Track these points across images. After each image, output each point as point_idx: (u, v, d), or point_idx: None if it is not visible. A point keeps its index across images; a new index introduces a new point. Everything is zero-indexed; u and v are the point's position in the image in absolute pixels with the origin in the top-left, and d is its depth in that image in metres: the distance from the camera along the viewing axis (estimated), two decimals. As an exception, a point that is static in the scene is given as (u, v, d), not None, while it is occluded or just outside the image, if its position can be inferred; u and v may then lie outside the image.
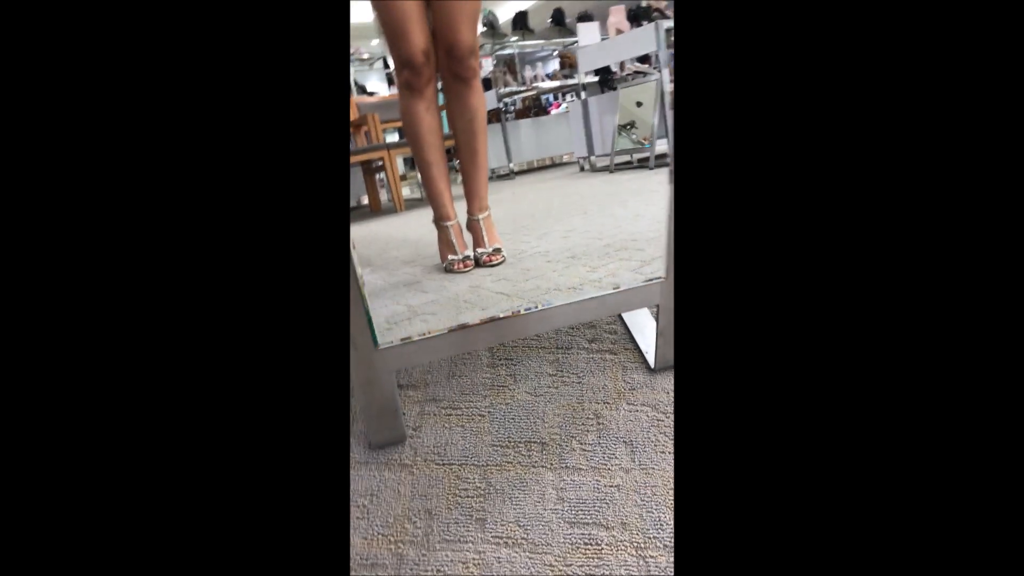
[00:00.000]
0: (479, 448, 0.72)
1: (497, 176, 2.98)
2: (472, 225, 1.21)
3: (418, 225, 2.17)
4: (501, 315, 0.73)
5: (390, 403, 0.72)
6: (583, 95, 2.92)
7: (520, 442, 0.72)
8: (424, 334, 0.71)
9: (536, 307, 0.74)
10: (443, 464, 0.70)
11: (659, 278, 0.75)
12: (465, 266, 1.15)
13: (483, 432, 0.74)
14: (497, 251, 1.19)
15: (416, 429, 0.76)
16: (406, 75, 1.06)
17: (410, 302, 0.99)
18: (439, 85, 1.12)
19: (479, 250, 1.18)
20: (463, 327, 0.72)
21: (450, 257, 1.16)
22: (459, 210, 1.22)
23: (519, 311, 0.73)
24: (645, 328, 0.90)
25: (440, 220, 1.19)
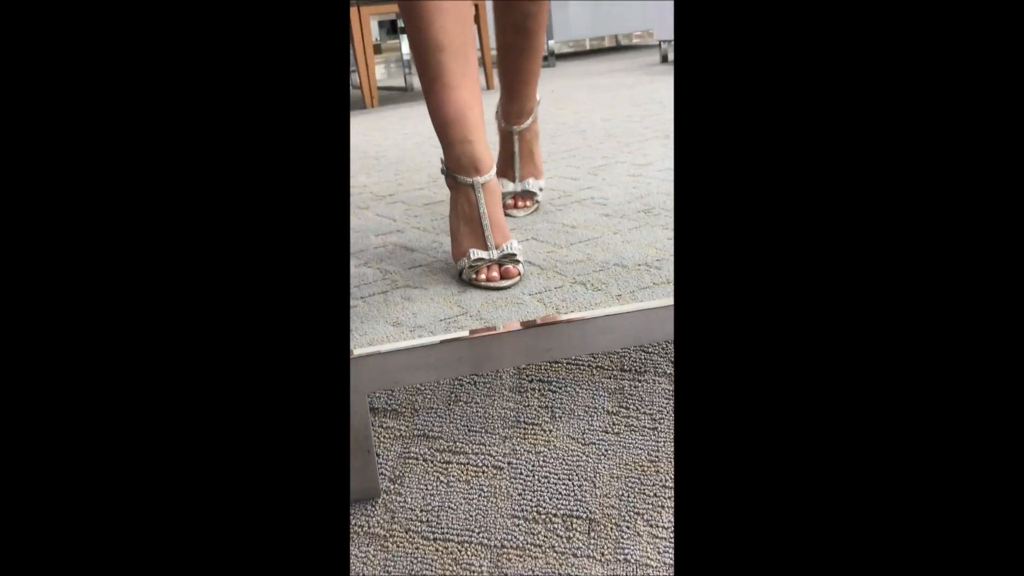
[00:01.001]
0: (491, 519, 0.69)
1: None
2: (503, 139, 1.05)
3: (399, 134, 2.11)
4: (539, 320, 0.69)
5: (360, 438, 0.68)
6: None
7: (555, 515, 0.69)
8: (413, 336, 0.67)
9: (591, 315, 0.69)
10: (435, 539, 0.68)
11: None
12: (504, 275, 0.83)
13: (499, 494, 0.72)
14: (529, 194, 1.13)
15: (396, 481, 0.74)
16: None
17: (386, 266, 0.95)
18: None
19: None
20: (477, 335, 0.68)
21: (474, 254, 0.83)
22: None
23: (569, 317, 0.69)
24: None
25: (459, 170, 0.85)
